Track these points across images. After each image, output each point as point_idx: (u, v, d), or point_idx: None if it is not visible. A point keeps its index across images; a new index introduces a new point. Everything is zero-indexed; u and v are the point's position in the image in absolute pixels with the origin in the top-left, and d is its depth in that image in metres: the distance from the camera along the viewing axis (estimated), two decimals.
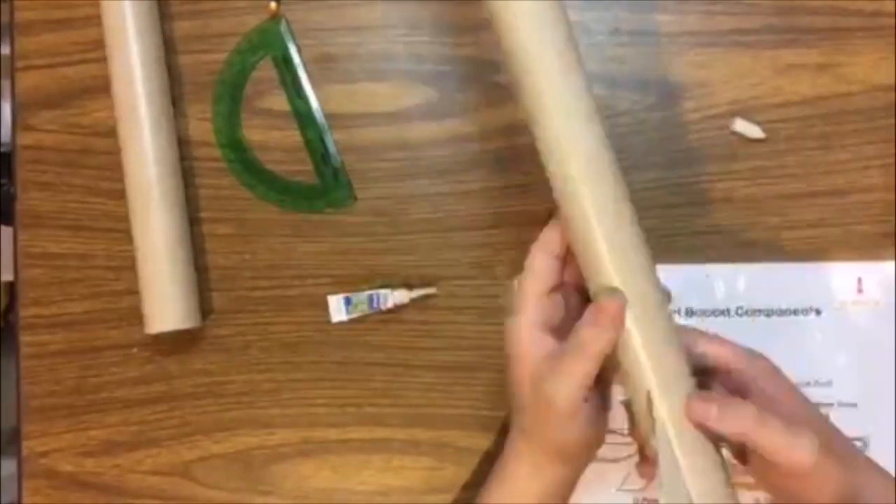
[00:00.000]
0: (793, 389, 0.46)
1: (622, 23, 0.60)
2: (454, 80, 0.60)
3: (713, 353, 0.46)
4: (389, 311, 0.59)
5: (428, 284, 0.60)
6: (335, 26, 0.60)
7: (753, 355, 0.47)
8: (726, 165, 0.59)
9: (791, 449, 0.41)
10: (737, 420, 0.41)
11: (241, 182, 0.61)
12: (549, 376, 0.44)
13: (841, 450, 0.44)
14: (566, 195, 0.45)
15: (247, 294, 0.61)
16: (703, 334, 0.47)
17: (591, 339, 0.43)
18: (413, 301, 0.59)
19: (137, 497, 0.61)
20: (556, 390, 0.43)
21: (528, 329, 0.46)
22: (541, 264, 0.47)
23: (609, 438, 0.58)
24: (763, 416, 0.41)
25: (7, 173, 0.66)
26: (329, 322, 0.60)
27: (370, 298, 0.59)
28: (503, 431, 0.55)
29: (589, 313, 0.44)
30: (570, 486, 0.49)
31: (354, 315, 0.59)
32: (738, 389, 0.45)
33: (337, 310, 0.60)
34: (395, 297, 0.59)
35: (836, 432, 0.46)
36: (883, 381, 0.57)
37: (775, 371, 0.47)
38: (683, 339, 0.46)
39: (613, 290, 0.44)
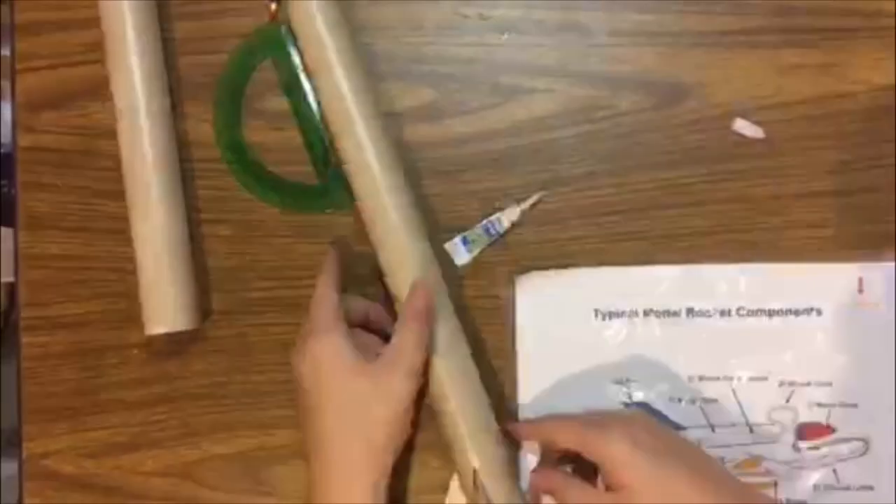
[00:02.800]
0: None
1: (623, 23, 0.60)
2: (454, 80, 0.60)
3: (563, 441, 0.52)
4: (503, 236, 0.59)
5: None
6: None
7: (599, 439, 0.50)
8: (727, 165, 0.59)
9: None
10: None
11: (241, 183, 0.61)
12: (391, 371, 0.50)
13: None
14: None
15: (247, 295, 0.61)
16: (558, 424, 0.53)
17: (422, 329, 0.52)
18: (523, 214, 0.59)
19: (138, 498, 0.61)
20: (399, 381, 0.50)
21: (347, 342, 0.51)
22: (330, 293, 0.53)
23: None
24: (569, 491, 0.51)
25: (7, 174, 0.66)
26: None
27: (485, 228, 0.58)
28: None
29: (406, 307, 0.52)
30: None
31: (475, 252, 0.59)
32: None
33: (458, 254, 0.59)
34: (507, 215, 0.59)
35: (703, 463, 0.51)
36: (883, 381, 0.57)
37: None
38: (543, 432, 0.54)
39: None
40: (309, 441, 0.51)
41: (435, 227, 0.60)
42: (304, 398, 0.51)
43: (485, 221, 0.59)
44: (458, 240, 0.59)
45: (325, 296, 0.52)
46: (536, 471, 0.55)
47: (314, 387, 0.50)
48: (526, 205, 0.59)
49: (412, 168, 0.60)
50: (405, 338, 0.51)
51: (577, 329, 0.59)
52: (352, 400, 0.49)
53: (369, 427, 0.49)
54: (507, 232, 0.59)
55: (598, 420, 0.50)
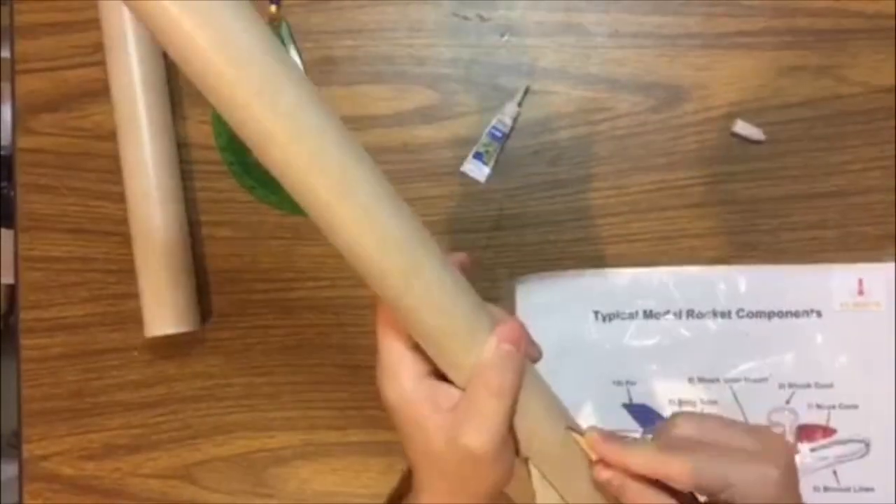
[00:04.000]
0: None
1: (623, 25, 0.60)
2: (454, 82, 0.60)
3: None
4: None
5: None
6: (335, 29, 0.60)
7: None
8: (727, 167, 0.59)
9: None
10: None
11: (240, 185, 0.61)
12: (466, 428, 0.38)
13: None
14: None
15: (247, 297, 0.61)
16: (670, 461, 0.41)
17: (500, 373, 0.39)
18: (520, 106, 0.59)
19: (138, 500, 0.61)
20: (478, 440, 0.38)
21: (418, 388, 0.40)
22: (394, 322, 0.41)
23: None
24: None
25: (7, 176, 0.66)
26: (331, 326, 0.60)
27: (492, 135, 0.57)
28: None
29: (492, 346, 0.39)
30: None
31: (492, 162, 0.58)
32: None
33: (478, 171, 0.58)
34: (507, 113, 0.58)
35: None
36: (884, 382, 0.57)
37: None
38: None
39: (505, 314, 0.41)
40: (409, 460, 0.43)
41: (436, 229, 0.60)
42: (398, 432, 0.43)
43: (488, 129, 0.58)
44: (472, 158, 0.58)
45: (387, 331, 0.41)
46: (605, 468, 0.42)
47: (398, 429, 0.42)
48: (519, 96, 0.59)
49: (412, 170, 0.60)
50: (480, 390, 0.39)
51: (577, 330, 0.59)
52: (435, 455, 0.40)
53: (460, 483, 0.40)
54: (512, 129, 0.59)
55: (743, 446, 0.41)
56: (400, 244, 0.36)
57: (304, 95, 0.33)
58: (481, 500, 0.41)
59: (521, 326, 0.40)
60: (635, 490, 0.40)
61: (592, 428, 0.42)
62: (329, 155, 0.34)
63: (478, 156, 0.58)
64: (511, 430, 0.40)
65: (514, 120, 0.59)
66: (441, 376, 0.40)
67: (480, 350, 0.39)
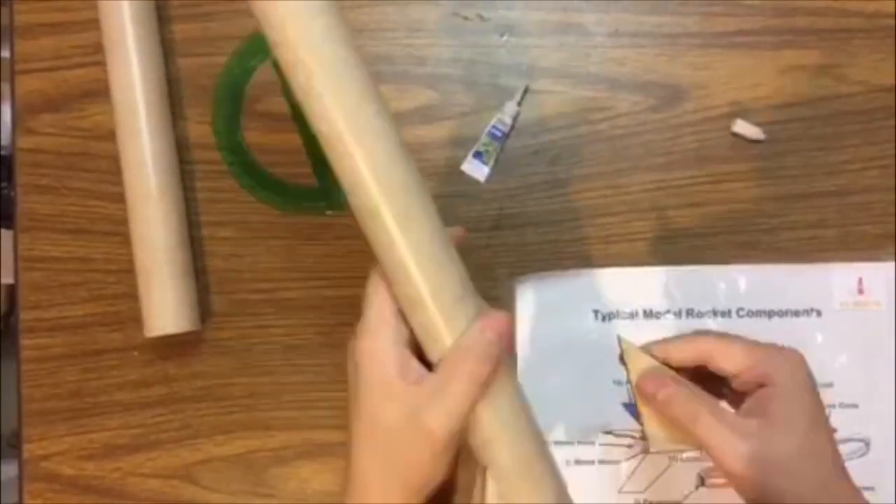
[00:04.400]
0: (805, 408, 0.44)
1: (622, 24, 0.60)
2: (454, 82, 0.60)
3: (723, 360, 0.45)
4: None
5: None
6: None
7: (769, 356, 0.44)
8: (726, 166, 0.59)
9: (719, 451, 0.42)
10: (680, 409, 0.43)
11: (240, 185, 0.61)
12: (430, 405, 0.38)
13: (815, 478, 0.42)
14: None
15: (247, 297, 0.61)
16: (716, 338, 0.45)
17: (478, 359, 0.38)
18: (519, 106, 0.59)
19: (138, 500, 0.61)
20: (438, 420, 0.37)
21: (392, 349, 0.39)
22: (386, 287, 0.40)
23: (611, 440, 0.59)
24: (700, 413, 0.42)
25: (7, 176, 0.66)
26: (328, 325, 0.60)
27: (492, 134, 0.58)
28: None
29: (475, 330, 0.38)
30: None
31: (492, 161, 0.58)
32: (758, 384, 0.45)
33: (478, 171, 0.58)
34: (506, 112, 0.58)
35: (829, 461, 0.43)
36: (884, 381, 0.57)
37: (794, 377, 0.44)
38: (699, 343, 0.45)
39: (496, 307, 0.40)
40: (348, 443, 0.42)
41: None
42: (349, 399, 0.42)
43: (488, 128, 0.58)
44: (471, 157, 0.58)
45: (378, 290, 0.41)
46: (649, 376, 0.44)
47: (352, 395, 0.41)
48: (518, 95, 0.59)
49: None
50: (454, 372, 0.38)
51: (577, 329, 0.59)
52: (385, 429, 0.39)
53: (402, 468, 0.39)
54: (512, 128, 0.59)
55: (761, 344, 0.45)
56: (403, 188, 0.38)
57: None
58: (412, 498, 0.39)
59: (510, 321, 0.39)
60: (683, 397, 0.43)
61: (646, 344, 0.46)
62: (349, 89, 0.37)
63: (477, 155, 0.58)
64: (471, 425, 0.39)
65: (514, 119, 0.59)
66: (417, 355, 0.40)
67: (461, 327, 0.38)
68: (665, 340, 0.46)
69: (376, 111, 0.38)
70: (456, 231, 0.42)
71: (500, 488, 0.40)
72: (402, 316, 0.40)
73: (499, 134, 0.58)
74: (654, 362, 0.45)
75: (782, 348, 0.45)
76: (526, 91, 0.59)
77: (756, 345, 0.44)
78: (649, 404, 0.44)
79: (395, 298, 0.40)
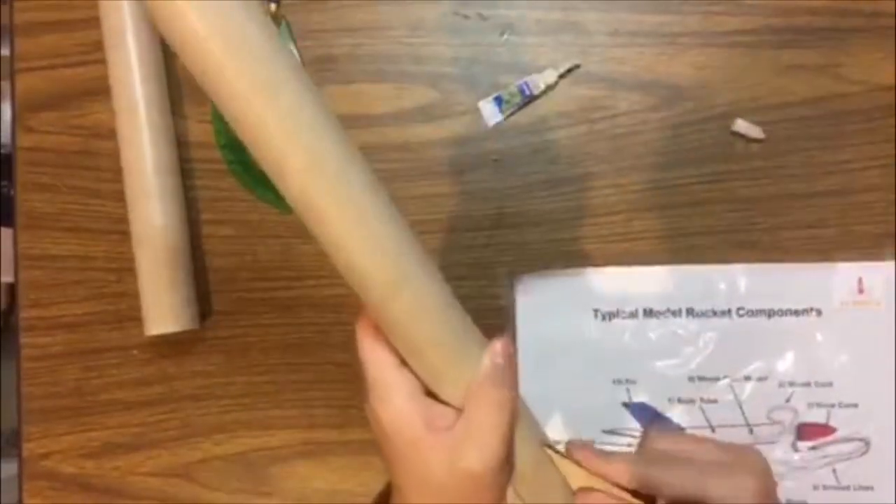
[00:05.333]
0: None
1: (622, 23, 0.60)
2: (454, 81, 0.60)
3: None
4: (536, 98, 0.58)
5: None
6: (335, 28, 0.60)
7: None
8: (726, 166, 0.59)
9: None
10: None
11: (240, 183, 0.61)
12: (467, 448, 0.37)
13: None
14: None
15: (247, 295, 0.61)
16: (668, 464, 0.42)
17: (500, 387, 0.38)
18: (561, 78, 0.58)
19: (138, 499, 0.61)
20: (478, 459, 0.37)
21: (411, 407, 0.38)
22: (379, 339, 0.39)
23: (611, 440, 0.59)
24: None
25: (7, 175, 0.66)
26: (327, 324, 0.60)
27: (521, 88, 0.57)
28: None
29: (488, 361, 0.38)
30: None
31: (508, 112, 0.58)
32: None
33: (491, 113, 0.58)
34: (544, 77, 0.58)
35: None
36: (883, 381, 0.57)
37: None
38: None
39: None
40: (399, 497, 0.41)
41: (436, 228, 0.60)
42: (387, 458, 0.41)
43: (520, 81, 0.58)
44: (491, 99, 0.58)
45: (372, 347, 0.39)
46: (589, 495, 0.42)
47: (390, 455, 0.40)
48: (563, 68, 0.58)
49: (412, 168, 0.60)
50: (480, 405, 0.38)
51: (577, 329, 0.59)
52: (434, 483, 0.38)
53: None
54: (541, 94, 0.58)
55: (718, 459, 0.42)
56: (390, 251, 0.35)
57: (304, 93, 0.33)
58: None
59: (511, 343, 0.39)
60: None
61: (571, 441, 0.43)
62: (326, 154, 0.34)
63: (497, 100, 0.57)
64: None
65: (547, 88, 0.58)
66: (431, 396, 0.39)
67: (471, 364, 0.38)
68: (602, 456, 0.42)
69: (356, 170, 0.35)
70: None
71: (515, 488, 0.41)
72: (405, 365, 0.39)
73: (526, 91, 0.57)
74: (589, 477, 0.42)
75: (741, 468, 0.41)
76: (575, 67, 0.59)
77: (706, 469, 0.40)
78: None
79: (393, 347, 0.38)
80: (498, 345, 0.39)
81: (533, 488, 0.41)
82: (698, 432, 0.58)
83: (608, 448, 0.44)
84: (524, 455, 0.41)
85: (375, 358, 0.39)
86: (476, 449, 0.37)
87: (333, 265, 0.35)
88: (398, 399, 0.38)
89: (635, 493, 0.41)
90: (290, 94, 0.32)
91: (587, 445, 0.43)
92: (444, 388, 0.39)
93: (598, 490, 0.42)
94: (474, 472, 0.37)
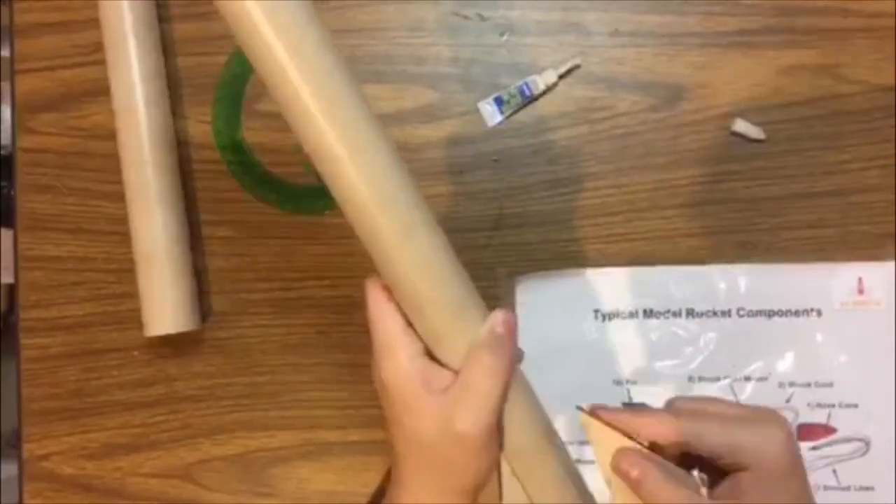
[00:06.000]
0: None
1: (622, 24, 0.60)
2: (454, 81, 0.60)
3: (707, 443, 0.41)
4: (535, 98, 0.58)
5: None
6: (335, 28, 0.60)
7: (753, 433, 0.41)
8: (726, 166, 0.59)
9: None
10: (652, 491, 0.40)
11: (240, 184, 0.61)
12: (460, 410, 0.39)
13: None
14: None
15: (247, 296, 0.61)
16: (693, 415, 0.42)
17: (496, 354, 0.39)
18: (561, 78, 0.58)
19: (138, 500, 0.61)
20: (471, 422, 0.38)
21: (412, 365, 0.40)
22: (388, 300, 0.41)
23: None
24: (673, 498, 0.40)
25: (7, 176, 0.66)
26: (322, 326, 0.60)
27: (521, 89, 0.57)
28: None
29: (488, 327, 0.40)
30: None
31: (508, 112, 0.58)
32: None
33: (490, 114, 0.58)
34: (544, 77, 0.58)
35: None
36: (884, 381, 0.57)
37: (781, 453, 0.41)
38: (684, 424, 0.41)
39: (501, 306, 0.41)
40: (393, 456, 0.43)
41: None
42: (385, 416, 0.43)
43: (521, 82, 0.58)
44: (491, 100, 0.58)
45: (380, 305, 0.41)
46: (625, 454, 0.42)
47: (387, 413, 0.42)
48: (563, 69, 0.58)
49: (412, 169, 0.60)
50: (475, 371, 0.39)
51: (577, 329, 0.59)
52: (425, 442, 0.40)
53: (449, 475, 0.40)
54: (541, 95, 0.59)
55: (745, 415, 0.42)
56: (400, 199, 0.37)
57: (327, 38, 0.36)
58: (462, 499, 0.41)
59: (514, 317, 0.40)
60: (654, 481, 0.40)
61: (596, 405, 0.43)
62: (343, 106, 0.36)
63: (498, 100, 0.57)
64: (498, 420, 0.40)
65: (547, 88, 0.58)
66: (433, 358, 0.40)
67: (472, 328, 0.39)
68: (634, 413, 0.43)
69: (369, 123, 0.37)
70: None
71: (512, 466, 0.42)
72: (411, 325, 0.40)
73: (526, 92, 0.57)
74: (622, 438, 0.42)
75: (768, 421, 0.41)
76: (575, 67, 0.59)
77: (736, 421, 0.41)
78: (621, 479, 0.41)
79: (400, 306, 0.40)
80: (500, 314, 0.40)
81: (529, 467, 0.42)
82: None
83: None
84: (522, 432, 0.42)
85: (382, 317, 0.40)
86: (468, 412, 0.39)
87: (347, 214, 0.38)
88: (401, 358, 0.40)
89: (660, 451, 0.41)
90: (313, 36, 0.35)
91: (615, 408, 0.43)
92: (443, 350, 0.40)
93: (631, 450, 0.41)
94: (464, 434, 0.39)
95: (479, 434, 0.39)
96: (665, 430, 0.41)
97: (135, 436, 0.61)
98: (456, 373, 0.40)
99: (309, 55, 0.35)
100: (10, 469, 0.64)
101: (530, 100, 0.58)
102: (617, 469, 0.41)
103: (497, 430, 0.40)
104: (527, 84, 0.58)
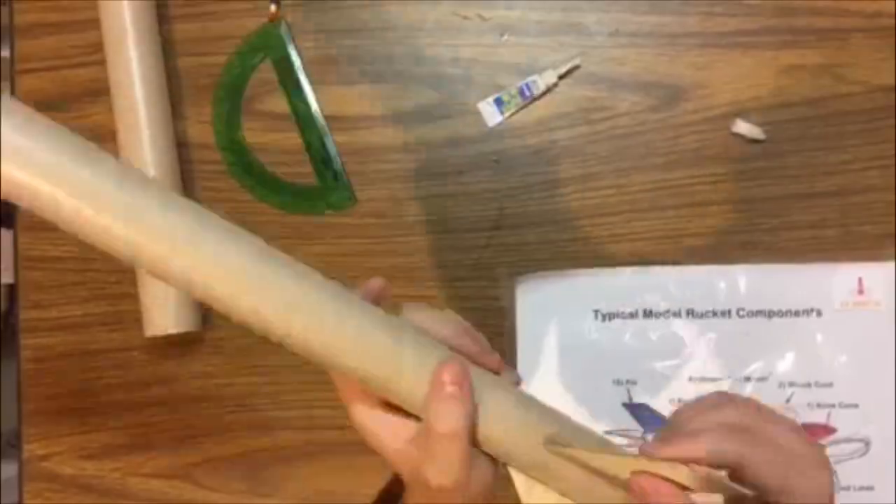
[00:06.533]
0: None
1: (622, 24, 0.60)
2: (454, 81, 0.60)
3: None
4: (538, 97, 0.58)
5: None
6: (335, 28, 0.60)
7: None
8: (726, 166, 0.59)
9: None
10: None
11: (240, 184, 0.61)
12: (426, 467, 0.37)
13: None
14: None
15: None
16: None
17: (446, 419, 0.37)
18: (561, 79, 0.58)
19: (138, 500, 0.61)
20: (439, 480, 0.37)
21: (373, 419, 0.39)
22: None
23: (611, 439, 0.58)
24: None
25: None
26: None
27: (521, 90, 0.57)
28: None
29: (433, 394, 0.37)
30: None
31: (508, 113, 0.58)
32: None
33: (490, 114, 0.58)
34: (544, 78, 0.58)
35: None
36: (884, 381, 0.57)
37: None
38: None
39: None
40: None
41: (436, 228, 0.60)
42: None
43: (521, 83, 0.58)
44: (491, 100, 0.58)
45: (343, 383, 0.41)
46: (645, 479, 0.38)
47: None
48: (563, 69, 0.58)
49: (412, 169, 0.60)
50: (431, 435, 0.37)
51: (577, 329, 0.59)
52: (410, 484, 0.40)
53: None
54: (541, 96, 0.59)
55: (798, 450, 0.38)
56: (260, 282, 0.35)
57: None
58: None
59: (461, 364, 0.37)
60: None
61: (643, 446, 0.39)
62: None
63: (498, 101, 0.57)
64: (480, 445, 0.39)
65: (548, 89, 0.58)
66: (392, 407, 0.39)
67: (418, 384, 0.37)
68: (678, 438, 0.38)
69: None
70: (372, 285, 0.39)
71: (532, 477, 0.40)
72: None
73: (526, 93, 0.57)
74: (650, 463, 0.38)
75: (821, 466, 0.38)
76: (575, 68, 0.59)
77: (789, 460, 0.37)
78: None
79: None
80: (441, 372, 0.37)
81: (549, 476, 0.40)
82: None
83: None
84: (530, 449, 0.40)
85: (343, 387, 0.40)
86: (435, 471, 0.37)
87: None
88: (359, 411, 0.39)
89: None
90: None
91: (650, 444, 0.39)
92: (398, 403, 0.38)
93: (649, 473, 0.38)
94: (435, 488, 0.38)
95: (451, 487, 0.37)
96: (715, 457, 0.37)
97: (135, 436, 0.61)
98: (417, 418, 0.38)
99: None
100: (10, 469, 0.64)
101: (531, 100, 0.58)
102: (633, 489, 0.38)
103: (475, 467, 0.38)
104: (527, 85, 0.58)
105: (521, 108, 0.59)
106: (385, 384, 0.37)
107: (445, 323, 0.40)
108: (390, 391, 0.38)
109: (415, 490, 0.40)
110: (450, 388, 0.37)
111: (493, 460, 0.40)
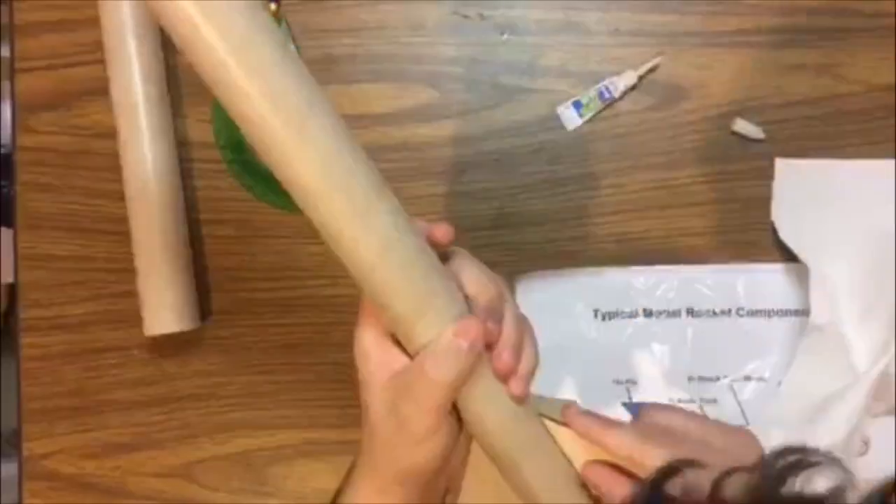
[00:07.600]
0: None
1: (623, 23, 0.59)
2: (454, 81, 0.60)
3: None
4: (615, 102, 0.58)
5: None
6: (335, 27, 0.60)
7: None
8: (726, 165, 0.59)
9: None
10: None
11: (240, 183, 0.61)
12: (404, 398, 0.39)
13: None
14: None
15: (247, 295, 0.61)
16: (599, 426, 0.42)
17: (440, 366, 0.38)
18: (640, 80, 0.58)
19: (138, 499, 0.61)
20: (411, 414, 0.38)
21: (374, 343, 0.40)
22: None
23: None
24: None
25: (7, 175, 0.66)
26: (327, 324, 0.60)
27: (600, 92, 0.57)
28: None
29: (446, 337, 0.38)
30: None
31: (588, 116, 0.57)
32: None
33: (570, 119, 0.58)
34: (623, 79, 0.58)
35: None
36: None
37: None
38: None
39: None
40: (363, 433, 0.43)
41: None
42: None
43: (599, 85, 0.58)
44: (570, 103, 0.58)
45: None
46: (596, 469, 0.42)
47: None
48: (643, 69, 0.58)
49: (412, 168, 0.60)
50: (421, 372, 0.38)
51: (577, 329, 0.59)
52: (373, 421, 0.40)
53: (388, 457, 0.41)
54: (621, 97, 0.58)
55: (710, 444, 0.42)
56: (354, 183, 0.38)
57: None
58: (394, 486, 0.41)
59: (479, 326, 0.38)
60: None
61: (569, 404, 0.43)
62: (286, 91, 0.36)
63: (577, 104, 0.57)
64: (465, 420, 0.40)
65: (627, 90, 0.58)
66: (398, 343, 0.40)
67: (434, 333, 0.38)
68: (600, 425, 0.42)
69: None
70: (438, 228, 0.40)
71: (500, 470, 0.42)
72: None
73: (606, 95, 0.57)
74: (589, 447, 0.42)
75: (734, 448, 0.41)
76: (655, 67, 0.58)
77: (699, 448, 0.41)
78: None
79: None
80: (462, 325, 0.38)
81: (518, 466, 0.42)
82: None
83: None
84: (511, 437, 0.41)
85: (365, 306, 0.41)
86: (409, 404, 0.38)
87: (298, 201, 0.39)
88: (368, 332, 0.40)
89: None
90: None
91: (587, 413, 0.43)
92: (403, 342, 0.39)
93: (601, 463, 0.41)
94: (404, 420, 0.39)
95: (419, 429, 0.39)
96: (623, 449, 0.41)
97: (135, 435, 0.61)
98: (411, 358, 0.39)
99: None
100: (10, 468, 0.64)
101: (610, 102, 0.58)
102: (586, 477, 0.42)
103: (443, 426, 0.39)
104: (606, 87, 0.57)
105: (601, 110, 0.58)
106: (402, 319, 0.38)
107: (488, 284, 0.41)
108: (403, 326, 0.38)
109: (375, 434, 0.40)
110: (459, 342, 0.37)
111: (458, 434, 0.41)
